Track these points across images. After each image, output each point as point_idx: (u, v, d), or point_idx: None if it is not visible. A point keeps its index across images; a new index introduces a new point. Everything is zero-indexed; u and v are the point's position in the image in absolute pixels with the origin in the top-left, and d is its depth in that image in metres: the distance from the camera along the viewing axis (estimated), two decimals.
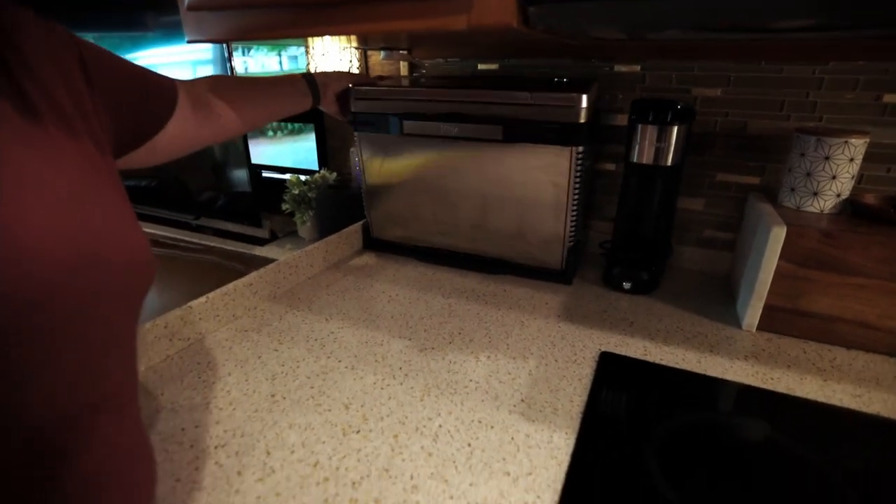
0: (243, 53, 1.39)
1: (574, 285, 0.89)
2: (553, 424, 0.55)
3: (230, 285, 0.76)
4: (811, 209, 0.74)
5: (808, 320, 0.70)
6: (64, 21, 0.34)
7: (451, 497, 0.46)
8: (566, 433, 0.54)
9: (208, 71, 1.27)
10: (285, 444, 0.52)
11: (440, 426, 0.55)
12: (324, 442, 0.53)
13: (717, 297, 0.84)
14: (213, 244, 1.19)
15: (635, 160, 0.81)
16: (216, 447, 0.52)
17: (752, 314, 0.73)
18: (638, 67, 0.89)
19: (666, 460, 0.50)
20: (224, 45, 1.16)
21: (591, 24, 0.48)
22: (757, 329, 0.74)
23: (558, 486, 0.47)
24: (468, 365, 0.66)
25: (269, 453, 0.51)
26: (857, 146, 0.69)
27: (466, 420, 0.56)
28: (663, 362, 0.66)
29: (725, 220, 0.92)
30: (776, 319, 0.72)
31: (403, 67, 1.08)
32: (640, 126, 0.78)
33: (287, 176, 1.27)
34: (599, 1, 0.45)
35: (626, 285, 0.85)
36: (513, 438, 0.53)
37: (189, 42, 0.63)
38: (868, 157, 0.78)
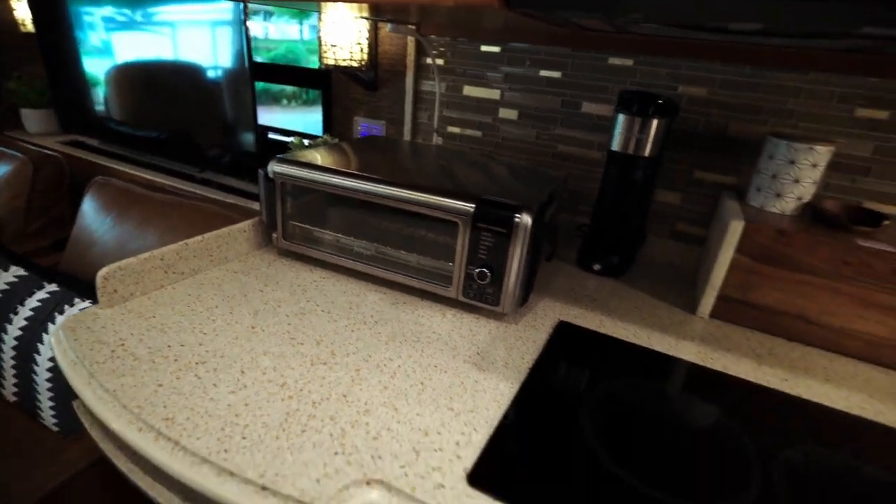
0: (265, 19, 1.43)
1: (552, 263, 0.94)
2: (502, 375, 0.61)
3: (225, 229, 0.81)
4: (773, 210, 0.78)
5: (755, 312, 0.76)
6: None
7: (398, 422, 0.52)
8: (512, 383, 0.60)
9: (226, 32, 1.30)
10: (258, 367, 0.58)
11: (399, 366, 0.61)
12: (293, 368, 0.59)
13: (680, 286, 0.89)
14: (215, 196, 1.25)
15: (616, 149, 0.86)
16: (197, 363, 0.58)
17: (706, 302, 0.78)
18: (631, 62, 0.93)
19: (597, 416, 0.56)
20: (242, 8, 1.19)
21: (566, 10, 0.52)
22: (710, 316, 0.79)
23: (495, 422, 0.53)
24: (434, 320, 0.72)
25: (243, 372, 0.57)
26: (821, 153, 0.73)
27: (424, 364, 0.62)
28: (614, 335, 0.72)
29: (700, 215, 0.97)
30: (728, 309, 0.77)
31: (411, 43, 1.12)
32: (622, 116, 0.83)
33: (292, 138, 1.33)
34: None
35: (596, 267, 0.91)
36: (462, 382, 0.59)
37: None
38: (836, 167, 0.83)
